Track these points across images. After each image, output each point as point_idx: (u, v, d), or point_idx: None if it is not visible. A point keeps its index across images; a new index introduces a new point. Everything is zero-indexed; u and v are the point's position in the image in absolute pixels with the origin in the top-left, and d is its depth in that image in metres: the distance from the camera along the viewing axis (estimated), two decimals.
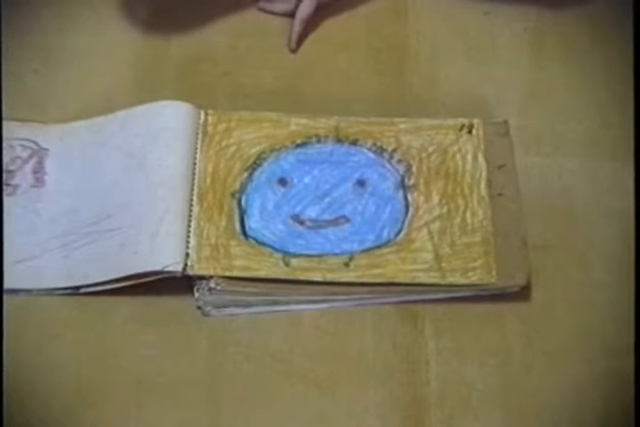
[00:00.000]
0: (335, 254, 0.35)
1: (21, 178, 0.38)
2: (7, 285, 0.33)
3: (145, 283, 0.34)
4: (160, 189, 0.36)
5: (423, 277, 0.35)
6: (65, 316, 0.35)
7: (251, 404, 0.33)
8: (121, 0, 0.43)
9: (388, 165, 0.38)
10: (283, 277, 0.35)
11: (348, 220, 0.36)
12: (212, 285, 0.34)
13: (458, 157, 0.38)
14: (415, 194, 0.37)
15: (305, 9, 0.42)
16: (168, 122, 0.38)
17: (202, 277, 0.35)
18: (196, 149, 0.38)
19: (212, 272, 0.34)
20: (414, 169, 0.37)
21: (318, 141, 0.38)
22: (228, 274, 0.34)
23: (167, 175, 0.36)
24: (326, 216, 0.36)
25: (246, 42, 0.43)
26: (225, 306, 0.35)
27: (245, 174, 0.37)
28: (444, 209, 0.36)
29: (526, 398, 0.33)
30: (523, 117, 0.40)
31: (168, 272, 0.34)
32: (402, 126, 0.39)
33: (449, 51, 0.43)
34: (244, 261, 0.35)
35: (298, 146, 0.38)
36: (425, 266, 0.35)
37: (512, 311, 0.35)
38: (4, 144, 0.37)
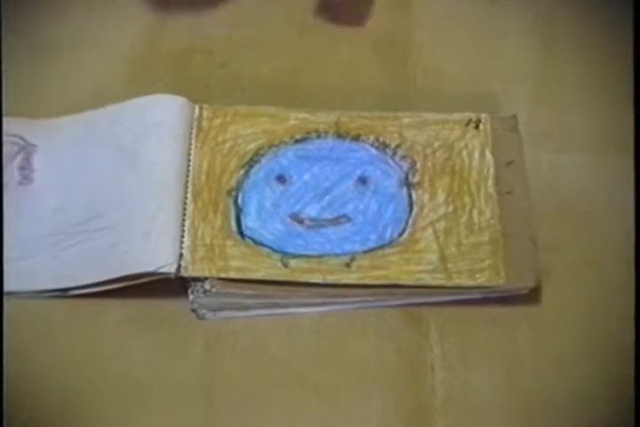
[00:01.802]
0: (336, 255, 0.35)
1: (8, 175, 0.37)
2: None
3: (137, 285, 0.34)
4: (153, 186, 0.36)
5: (428, 279, 0.35)
6: (53, 319, 0.35)
7: (247, 411, 0.33)
8: None
9: (391, 162, 0.38)
10: (281, 278, 0.34)
11: (349, 219, 0.36)
12: (207, 287, 0.34)
13: (464, 153, 0.38)
14: (420, 192, 0.37)
15: None
16: (161, 116, 0.38)
17: (196, 279, 0.34)
18: (191, 144, 0.37)
19: (206, 274, 0.34)
20: (419, 166, 0.37)
21: (318, 137, 0.38)
22: (223, 275, 0.34)
23: (160, 172, 0.36)
24: (326, 215, 0.36)
25: (243, 33, 0.43)
26: (220, 309, 0.35)
27: (242, 171, 0.37)
28: (450, 208, 0.36)
29: (536, 405, 0.33)
30: (532, 112, 0.40)
31: (161, 274, 0.34)
32: (406, 121, 0.38)
33: (454, 41, 0.43)
34: (240, 262, 0.35)
35: (297, 142, 0.38)
36: (430, 267, 0.35)
37: (521, 315, 0.35)
38: None
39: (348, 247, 0.35)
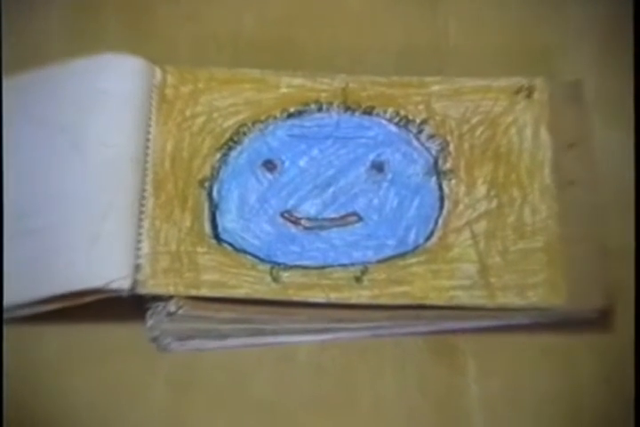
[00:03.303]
0: (342, 266, 0.35)
1: None
2: None
3: (81, 306, 0.34)
4: (102, 175, 0.36)
5: (464, 298, 0.34)
6: None
7: None
8: None
9: (415, 143, 0.37)
10: (270, 297, 0.34)
11: (359, 218, 0.36)
12: (173, 308, 0.34)
13: (513, 131, 0.37)
14: (453, 182, 0.36)
15: None
16: (112, 83, 0.37)
17: (158, 298, 0.34)
18: (151, 120, 0.37)
19: (171, 290, 0.34)
20: (452, 148, 0.37)
21: (319, 110, 0.38)
22: (194, 293, 0.34)
23: (111, 157, 0.36)
24: (330, 213, 0.36)
25: None
26: (190, 337, 0.35)
27: (218, 155, 0.37)
28: (494, 203, 0.36)
29: None
30: (602, 76, 0.40)
31: (112, 291, 0.34)
32: (435, 88, 0.38)
33: None
34: (216, 275, 0.34)
35: (291, 116, 0.38)
36: (466, 282, 0.34)
37: (586, 345, 0.35)
38: None
39: (358, 255, 0.35)
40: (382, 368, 0.34)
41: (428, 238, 0.35)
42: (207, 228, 0.35)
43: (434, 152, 0.37)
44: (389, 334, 0.35)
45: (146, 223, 0.35)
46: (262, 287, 0.34)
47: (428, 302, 0.34)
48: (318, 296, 0.34)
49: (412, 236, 0.35)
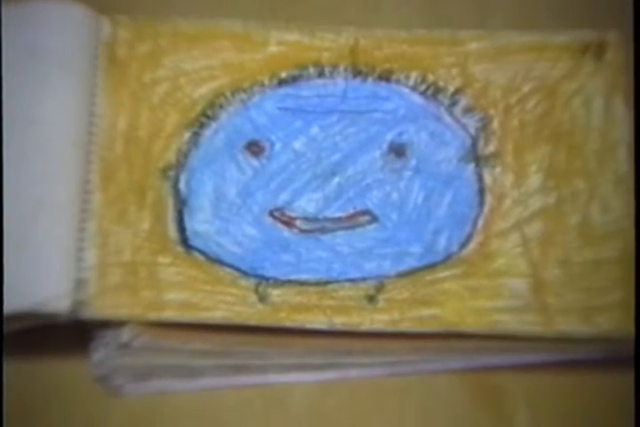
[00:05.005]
0: (351, 281, 0.34)
1: None
2: None
3: (7, 336, 0.33)
4: (32, 162, 0.35)
5: (512, 324, 0.34)
6: None
7: None
8: None
9: (447, 119, 0.37)
10: (255, 322, 0.34)
11: (373, 217, 0.35)
12: (127, 337, 0.33)
13: (577, 103, 0.37)
14: (497, 171, 0.36)
15: None
16: (44, 39, 0.37)
17: (107, 324, 0.34)
18: (96, 87, 0.37)
19: (125, 314, 0.34)
20: (496, 125, 0.36)
21: (320, 75, 0.37)
22: (154, 317, 0.34)
23: (44, 138, 0.36)
24: (334, 211, 0.36)
25: None
26: (150, 376, 0.34)
27: (187, 135, 0.36)
28: (551, 198, 0.35)
29: None
30: None
31: (45, 315, 0.33)
32: (473, 46, 0.37)
33: None
34: (184, 294, 0.34)
35: (283, 83, 0.37)
36: (515, 303, 0.34)
37: None
38: None
39: (371, 267, 0.35)
40: (404, 416, 0.34)
41: (463, 245, 0.35)
42: (172, 231, 0.35)
43: (472, 131, 0.36)
44: (413, 371, 0.34)
45: (91, 226, 0.34)
46: (245, 309, 0.34)
47: (464, 328, 0.34)
48: (319, 321, 0.34)
49: (442, 241, 0.35)
